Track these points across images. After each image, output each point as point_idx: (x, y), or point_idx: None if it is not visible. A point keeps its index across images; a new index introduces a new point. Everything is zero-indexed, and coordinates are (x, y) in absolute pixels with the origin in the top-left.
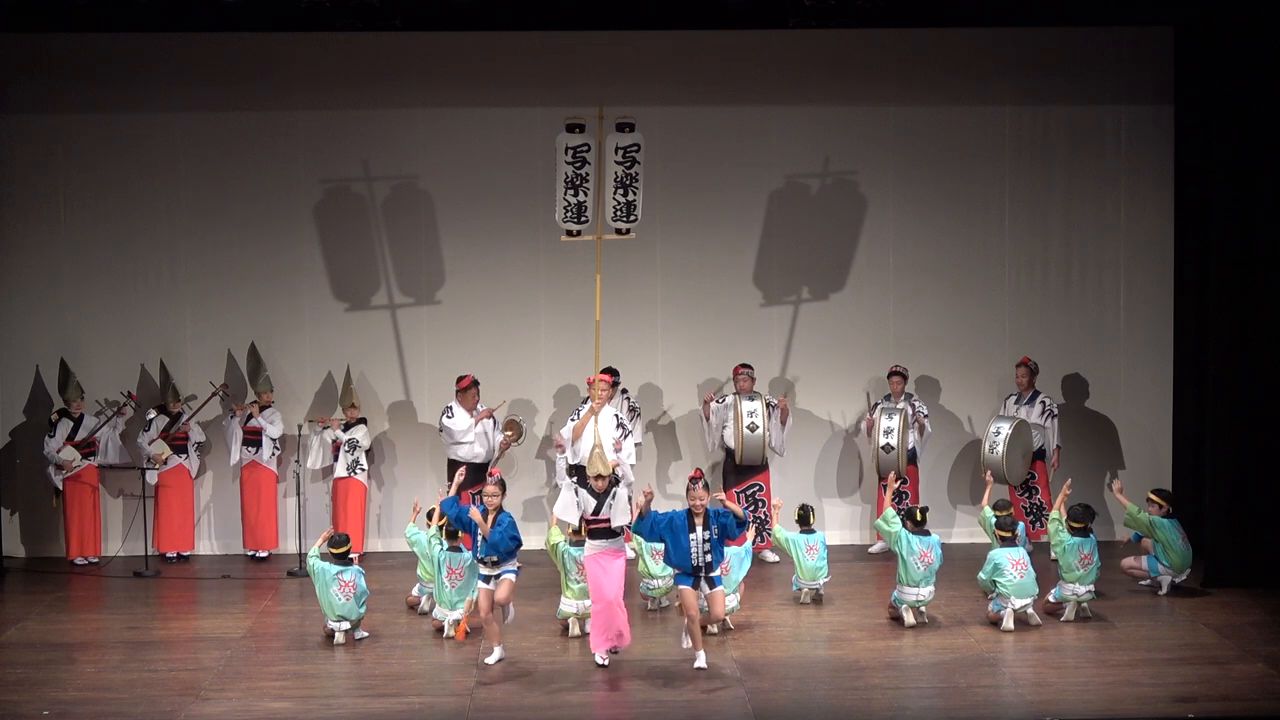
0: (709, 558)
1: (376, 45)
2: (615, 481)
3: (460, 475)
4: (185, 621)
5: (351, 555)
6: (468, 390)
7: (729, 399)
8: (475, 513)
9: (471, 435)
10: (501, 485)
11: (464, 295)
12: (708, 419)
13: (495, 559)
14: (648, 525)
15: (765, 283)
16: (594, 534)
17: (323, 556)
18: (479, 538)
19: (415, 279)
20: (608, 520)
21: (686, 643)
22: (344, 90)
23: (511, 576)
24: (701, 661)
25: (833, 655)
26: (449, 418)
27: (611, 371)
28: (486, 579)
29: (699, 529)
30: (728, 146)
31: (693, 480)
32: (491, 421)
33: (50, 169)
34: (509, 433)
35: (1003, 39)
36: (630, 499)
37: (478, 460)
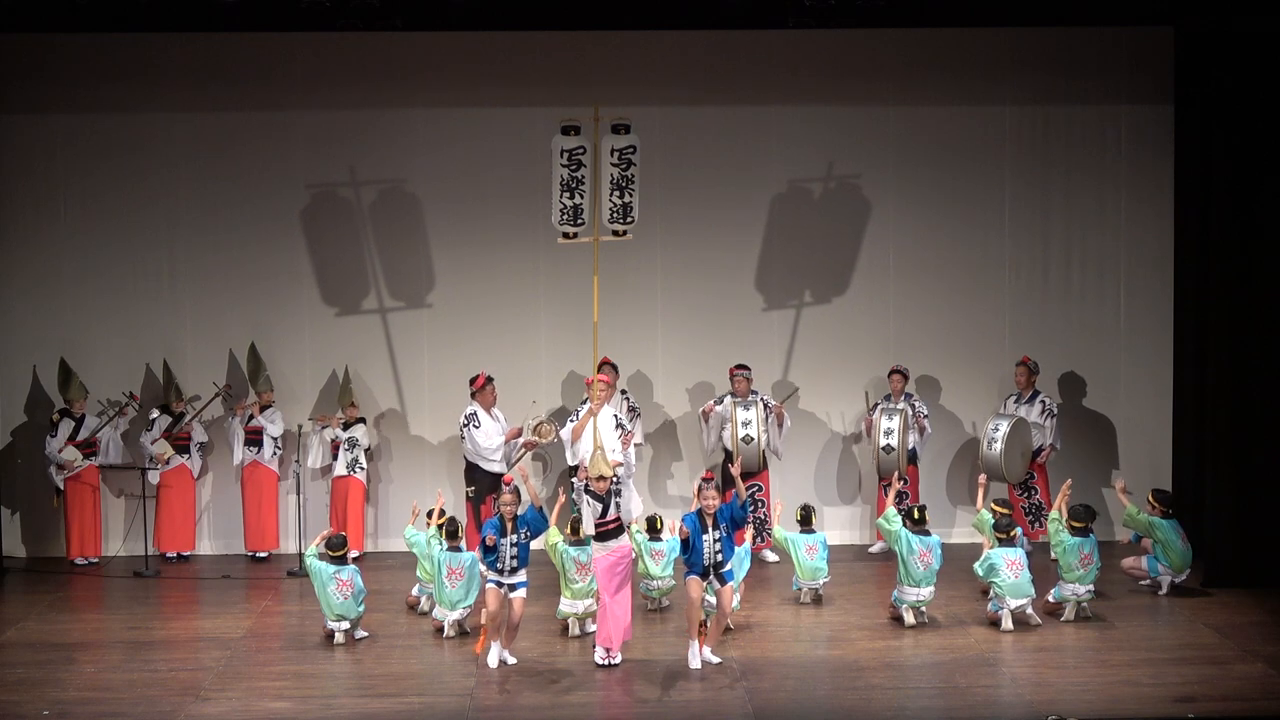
0: (720, 556)
1: (376, 45)
2: (616, 481)
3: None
4: (185, 621)
5: (349, 555)
6: (484, 389)
7: (726, 401)
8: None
9: (499, 454)
10: (516, 493)
11: (464, 297)
12: (705, 423)
13: (514, 567)
14: (699, 547)
15: (767, 285)
16: (601, 536)
17: (319, 556)
18: (492, 547)
19: (415, 280)
20: (616, 521)
21: (695, 662)
22: (344, 90)
23: (523, 592)
24: (695, 661)
25: (833, 655)
26: (475, 427)
27: (611, 364)
28: (499, 584)
29: (710, 529)
30: (727, 147)
31: (705, 481)
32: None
33: (50, 169)
34: (537, 436)
35: (1003, 39)
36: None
37: (496, 470)
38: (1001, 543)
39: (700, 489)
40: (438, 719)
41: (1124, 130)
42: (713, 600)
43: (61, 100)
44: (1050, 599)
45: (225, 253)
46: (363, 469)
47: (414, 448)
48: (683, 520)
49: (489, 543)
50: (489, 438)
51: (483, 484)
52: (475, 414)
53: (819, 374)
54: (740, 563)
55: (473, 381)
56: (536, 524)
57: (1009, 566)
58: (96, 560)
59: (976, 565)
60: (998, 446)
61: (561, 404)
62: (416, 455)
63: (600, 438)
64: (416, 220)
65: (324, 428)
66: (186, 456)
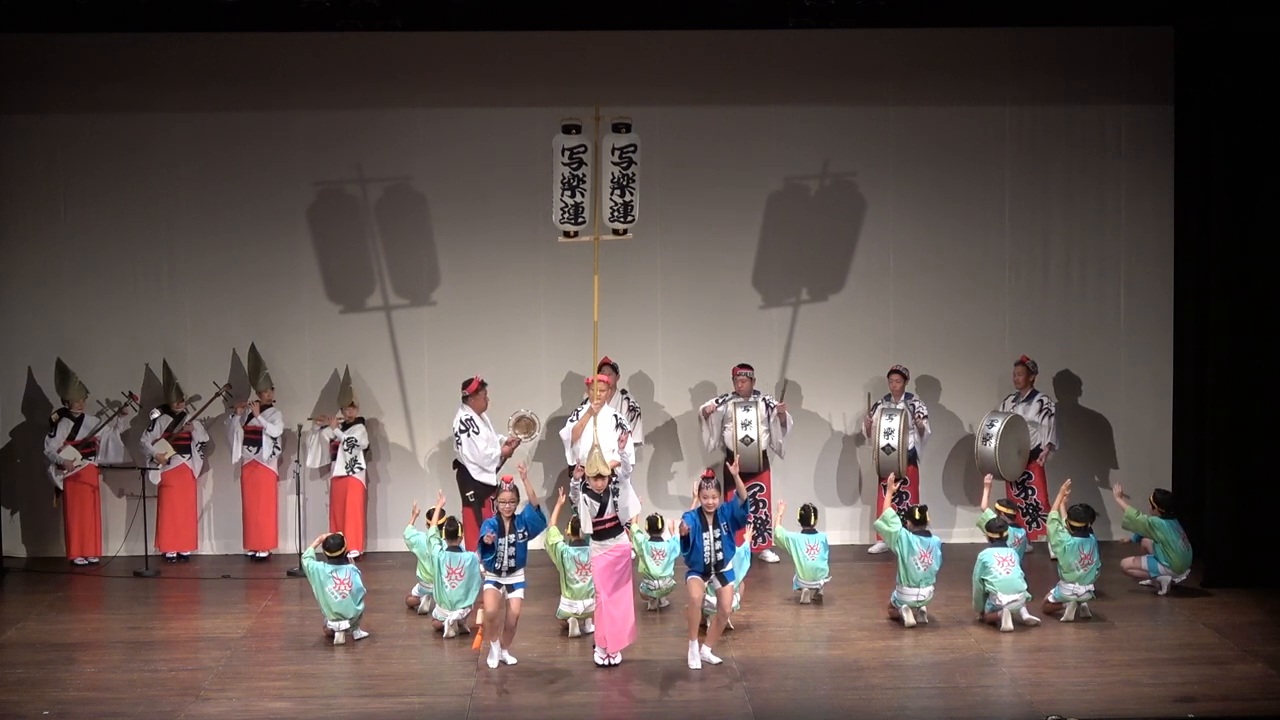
0: (720, 555)
1: (376, 45)
2: (614, 480)
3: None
4: (185, 621)
5: (348, 555)
6: (477, 394)
7: (728, 400)
8: (488, 535)
9: (495, 464)
10: (515, 492)
11: (463, 295)
12: (706, 423)
13: (511, 566)
14: (699, 545)
15: (766, 286)
16: (599, 535)
17: (318, 557)
18: (490, 545)
19: (414, 279)
20: (614, 520)
21: (695, 662)
22: (344, 90)
23: (521, 593)
24: (695, 660)
25: (833, 655)
26: (475, 433)
27: (611, 365)
28: (496, 585)
29: (710, 528)
30: (728, 147)
31: (705, 479)
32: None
33: (50, 169)
34: (519, 431)
35: (1003, 39)
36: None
37: (489, 481)
38: (993, 542)
39: (700, 488)
40: (438, 719)
41: (1124, 130)
42: (713, 600)
43: (61, 100)
44: (1050, 599)
45: (225, 253)
46: (362, 469)
47: (413, 448)
48: (683, 518)
49: (487, 541)
50: (487, 444)
51: (479, 491)
52: (472, 420)
53: (819, 374)
54: (740, 563)
55: (466, 385)
56: (535, 523)
57: (1000, 563)
58: (96, 560)
59: (974, 577)
60: (992, 443)
61: (561, 404)
62: (416, 455)
63: (599, 437)
64: (417, 220)
65: (323, 428)
66: (187, 456)
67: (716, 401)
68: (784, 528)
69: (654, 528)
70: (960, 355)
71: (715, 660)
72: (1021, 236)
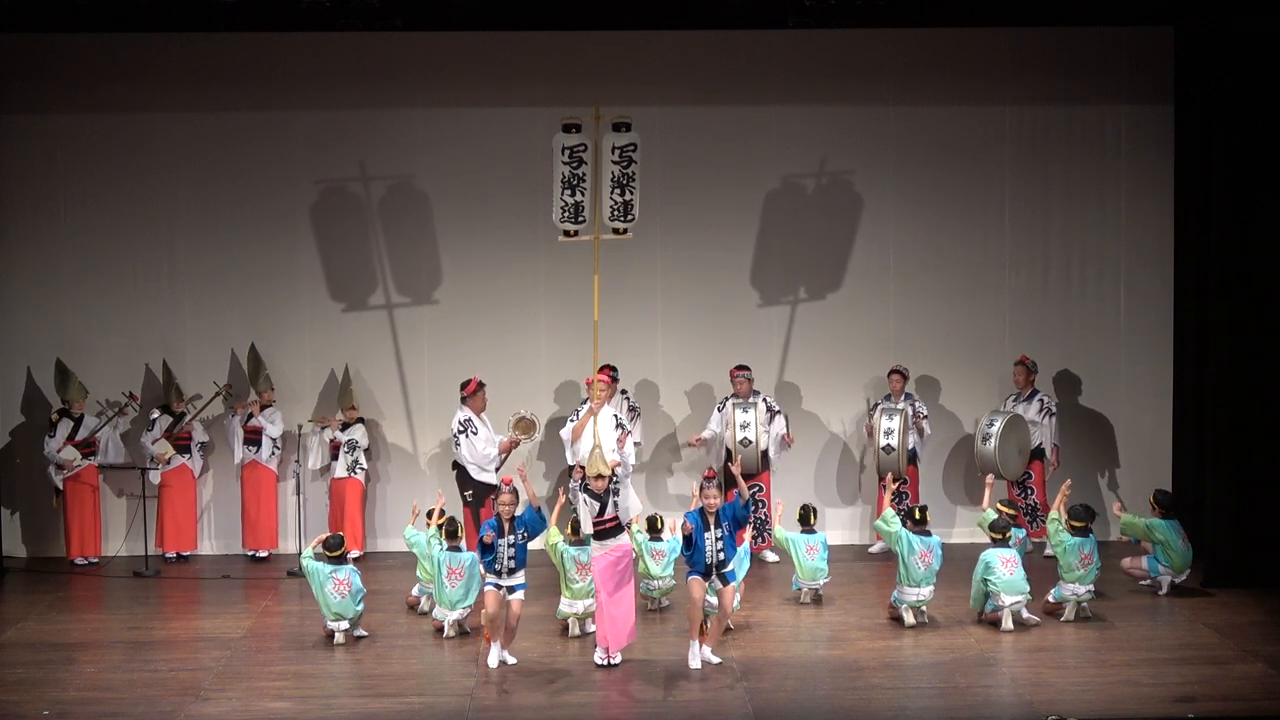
0: (722, 555)
1: (376, 45)
2: (614, 480)
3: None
4: (185, 621)
5: (348, 555)
6: (476, 394)
7: (727, 404)
8: (489, 535)
9: (494, 464)
10: (515, 494)
11: (463, 295)
12: (705, 444)
13: (511, 568)
14: (701, 545)
15: (765, 286)
16: (599, 535)
17: (317, 557)
18: (490, 545)
19: (414, 279)
20: (614, 519)
21: (695, 662)
22: (344, 90)
23: (522, 594)
24: (695, 660)
25: (833, 655)
26: (473, 434)
27: (610, 369)
28: (497, 586)
29: (712, 528)
30: (727, 147)
31: (706, 479)
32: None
33: (50, 169)
34: (518, 432)
35: (1003, 39)
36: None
37: (489, 481)
38: (996, 543)
39: (702, 487)
40: (438, 719)
41: (1124, 130)
42: (713, 600)
43: (61, 100)
44: (1050, 599)
45: (225, 253)
46: (363, 469)
47: (414, 448)
48: (685, 517)
49: (487, 540)
50: (486, 444)
51: (478, 491)
52: (471, 420)
53: (818, 374)
54: (741, 563)
55: (464, 385)
56: (534, 525)
57: (1003, 564)
58: (96, 560)
59: (974, 577)
60: (992, 443)
61: (561, 405)
62: (416, 456)
63: (599, 437)
64: (419, 220)
65: (323, 429)
66: (188, 456)
67: (718, 407)
68: (783, 528)
69: (654, 528)
70: (960, 355)
71: (715, 660)
72: (1021, 236)
